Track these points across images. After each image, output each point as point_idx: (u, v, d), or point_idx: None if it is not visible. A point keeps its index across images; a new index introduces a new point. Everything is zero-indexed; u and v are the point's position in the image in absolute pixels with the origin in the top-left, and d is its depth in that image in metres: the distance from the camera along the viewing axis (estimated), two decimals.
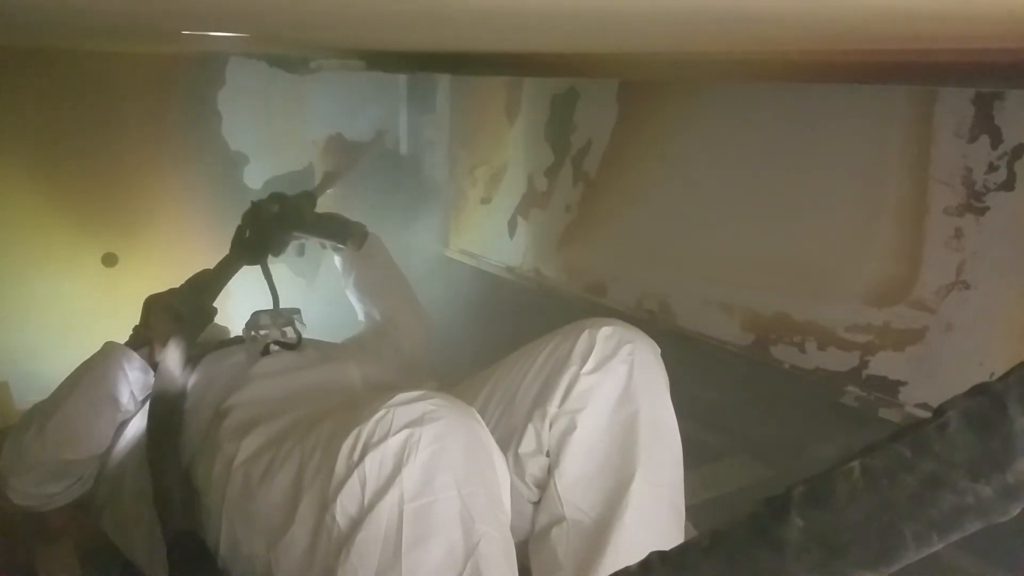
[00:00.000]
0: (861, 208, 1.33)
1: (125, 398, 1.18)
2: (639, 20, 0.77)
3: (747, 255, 1.51)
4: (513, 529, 0.91)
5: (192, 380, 1.20)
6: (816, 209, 1.39)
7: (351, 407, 0.95)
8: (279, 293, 1.35)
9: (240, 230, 1.42)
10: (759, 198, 1.48)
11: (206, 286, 1.32)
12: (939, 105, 1.21)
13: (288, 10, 0.84)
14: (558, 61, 1.55)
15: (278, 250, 1.44)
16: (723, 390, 1.52)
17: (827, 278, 1.38)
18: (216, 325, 1.37)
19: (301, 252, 1.56)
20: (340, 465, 0.85)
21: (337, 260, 1.56)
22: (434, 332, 1.59)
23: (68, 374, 1.20)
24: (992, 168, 1.16)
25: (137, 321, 1.29)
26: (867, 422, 1.29)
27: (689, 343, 1.58)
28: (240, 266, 1.37)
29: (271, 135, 2.03)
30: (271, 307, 1.34)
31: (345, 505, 0.84)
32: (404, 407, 0.86)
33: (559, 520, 0.97)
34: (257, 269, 1.37)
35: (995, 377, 0.44)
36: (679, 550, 0.52)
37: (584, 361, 1.01)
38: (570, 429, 0.99)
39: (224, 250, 1.40)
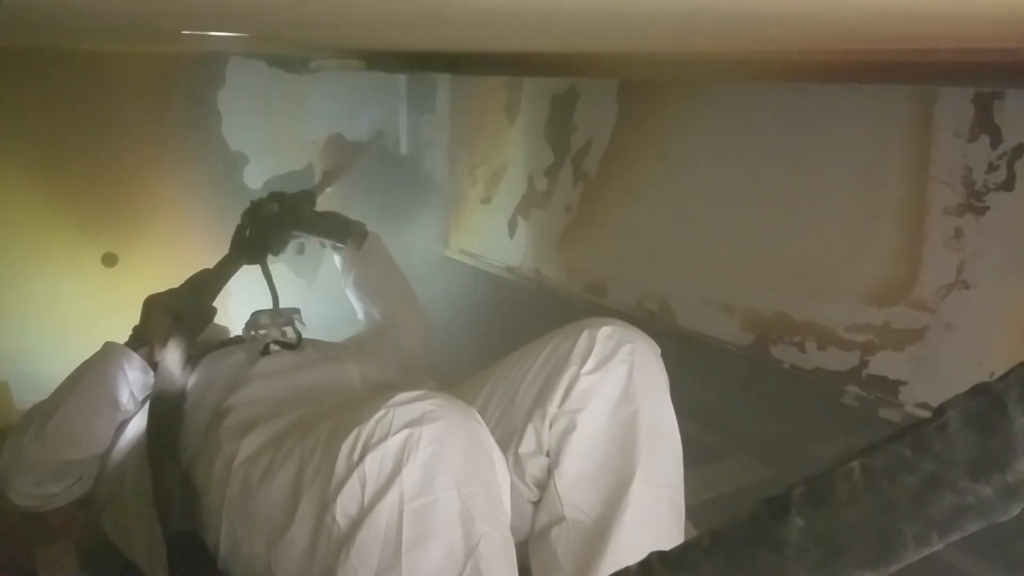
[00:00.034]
0: (861, 208, 1.32)
1: (125, 398, 1.18)
2: (639, 20, 0.77)
3: (747, 255, 1.51)
4: (513, 529, 0.91)
5: (192, 380, 1.20)
6: (816, 209, 1.39)
7: (351, 407, 0.95)
8: (279, 293, 1.36)
9: (240, 229, 1.42)
10: (759, 198, 1.48)
11: (206, 286, 1.32)
12: (939, 105, 1.21)
13: (288, 10, 0.84)
14: (558, 61, 1.55)
15: (278, 249, 1.44)
16: (723, 390, 1.52)
17: (827, 278, 1.38)
18: (216, 325, 1.37)
19: (301, 251, 1.55)
20: (340, 465, 0.85)
21: (337, 259, 1.56)
22: (434, 332, 1.58)
23: (68, 374, 1.20)
24: (992, 168, 1.15)
25: (137, 321, 1.29)
26: (867, 422, 1.29)
27: (689, 343, 1.58)
28: (240, 265, 1.37)
29: (271, 135, 2.03)
30: (271, 307, 1.34)
31: (345, 505, 0.84)
32: (404, 407, 0.86)
33: (559, 520, 0.97)
34: (257, 269, 1.38)
35: (995, 377, 0.44)
36: (679, 550, 0.52)
37: (584, 361, 1.01)
38: (570, 429, 0.99)
39: (224, 250, 1.40)
